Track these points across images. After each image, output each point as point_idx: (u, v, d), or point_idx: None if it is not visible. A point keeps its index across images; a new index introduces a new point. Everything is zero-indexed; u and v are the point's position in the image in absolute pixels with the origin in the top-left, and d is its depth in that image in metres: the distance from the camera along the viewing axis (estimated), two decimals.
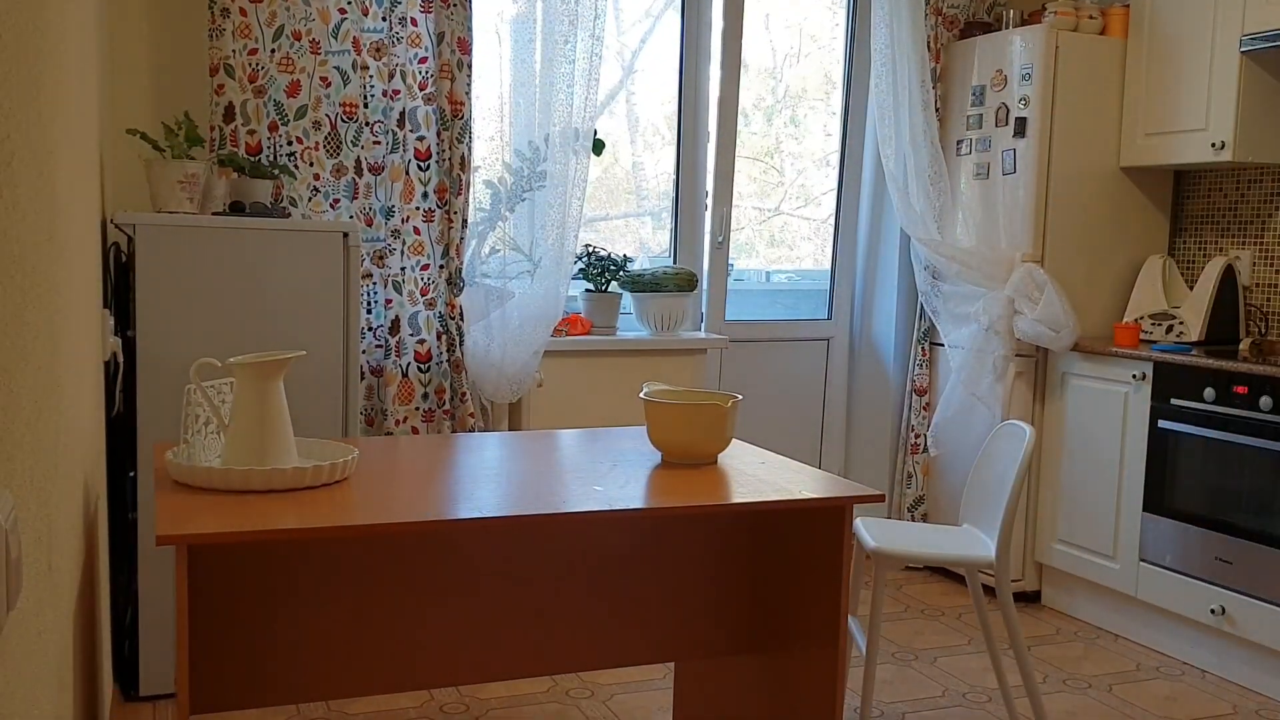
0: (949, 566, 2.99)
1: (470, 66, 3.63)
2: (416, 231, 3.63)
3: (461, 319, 3.69)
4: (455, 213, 3.65)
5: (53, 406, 1.39)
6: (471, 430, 3.70)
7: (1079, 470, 3.96)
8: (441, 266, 3.67)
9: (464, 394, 3.68)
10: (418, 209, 3.62)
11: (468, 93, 3.63)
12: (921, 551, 2.88)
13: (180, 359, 2.97)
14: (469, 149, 3.64)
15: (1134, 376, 3.74)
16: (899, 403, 4.55)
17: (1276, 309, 3.94)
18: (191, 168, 3.03)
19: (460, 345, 3.69)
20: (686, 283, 4.08)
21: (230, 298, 3.02)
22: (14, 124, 1.04)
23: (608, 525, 2.49)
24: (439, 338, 3.69)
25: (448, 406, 3.70)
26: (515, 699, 3.18)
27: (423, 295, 3.66)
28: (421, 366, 3.66)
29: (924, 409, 4.42)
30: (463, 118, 3.62)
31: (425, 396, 3.68)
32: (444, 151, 3.64)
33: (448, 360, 3.69)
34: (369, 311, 3.62)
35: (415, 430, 3.66)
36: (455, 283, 3.67)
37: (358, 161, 3.55)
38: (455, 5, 3.59)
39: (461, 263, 3.69)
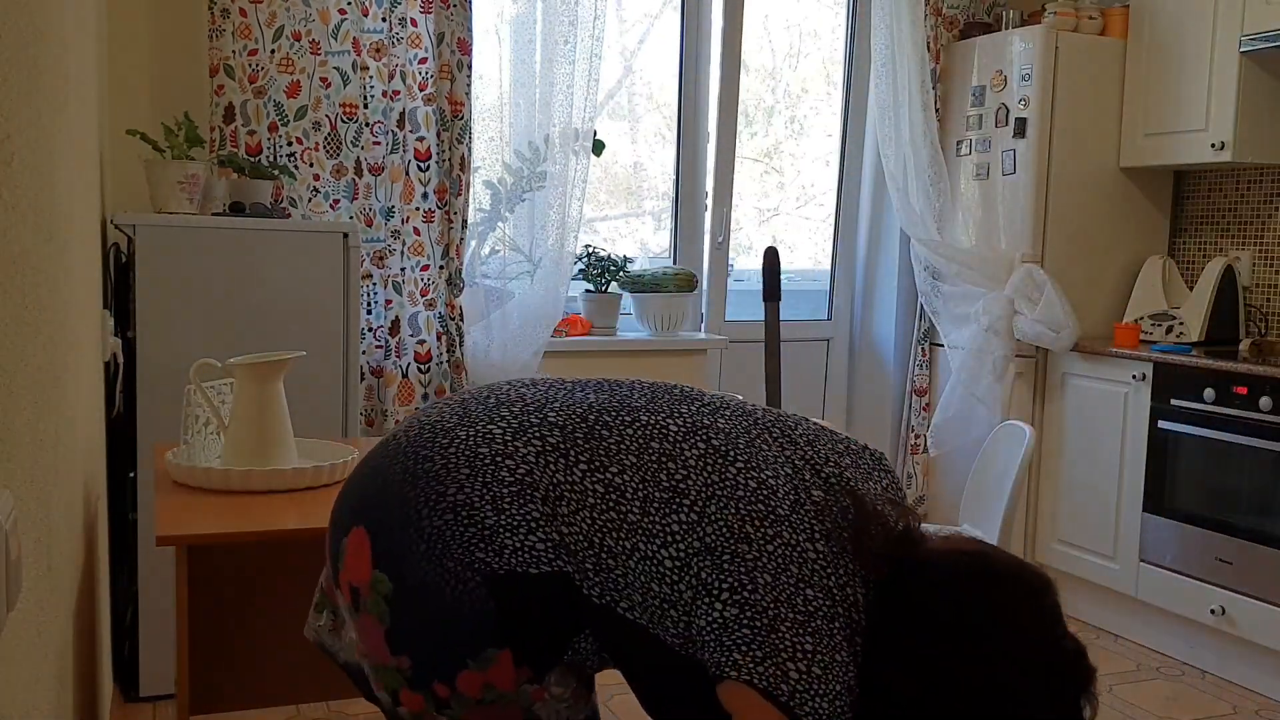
0: None
1: (470, 67, 3.63)
2: (416, 232, 3.63)
3: (461, 320, 3.69)
4: (455, 213, 3.65)
5: (53, 406, 1.39)
6: None
7: (1079, 470, 3.96)
8: (441, 267, 3.67)
9: None
10: (417, 209, 3.62)
11: (467, 93, 3.63)
12: None
13: (180, 359, 2.97)
14: (469, 149, 3.64)
15: (1134, 377, 3.74)
16: (899, 403, 4.55)
17: (1276, 309, 3.94)
18: (191, 168, 3.03)
19: (460, 346, 3.69)
20: (686, 283, 4.08)
21: (230, 298, 3.02)
22: (14, 124, 1.04)
23: None
24: (439, 338, 3.69)
25: None
26: None
27: (423, 296, 3.66)
28: (421, 367, 3.66)
29: (924, 409, 4.42)
30: (462, 118, 3.62)
31: (425, 397, 3.68)
32: (444, 152, 3.64)
33: (448, 361, 3.69)
34: (369, 312, 3.62)
35: None
36: (455, 283, 3.67)
37: (357, 162, 3.55)
38: (455, 6, 3.59)
39: (461, 263, 3.69)
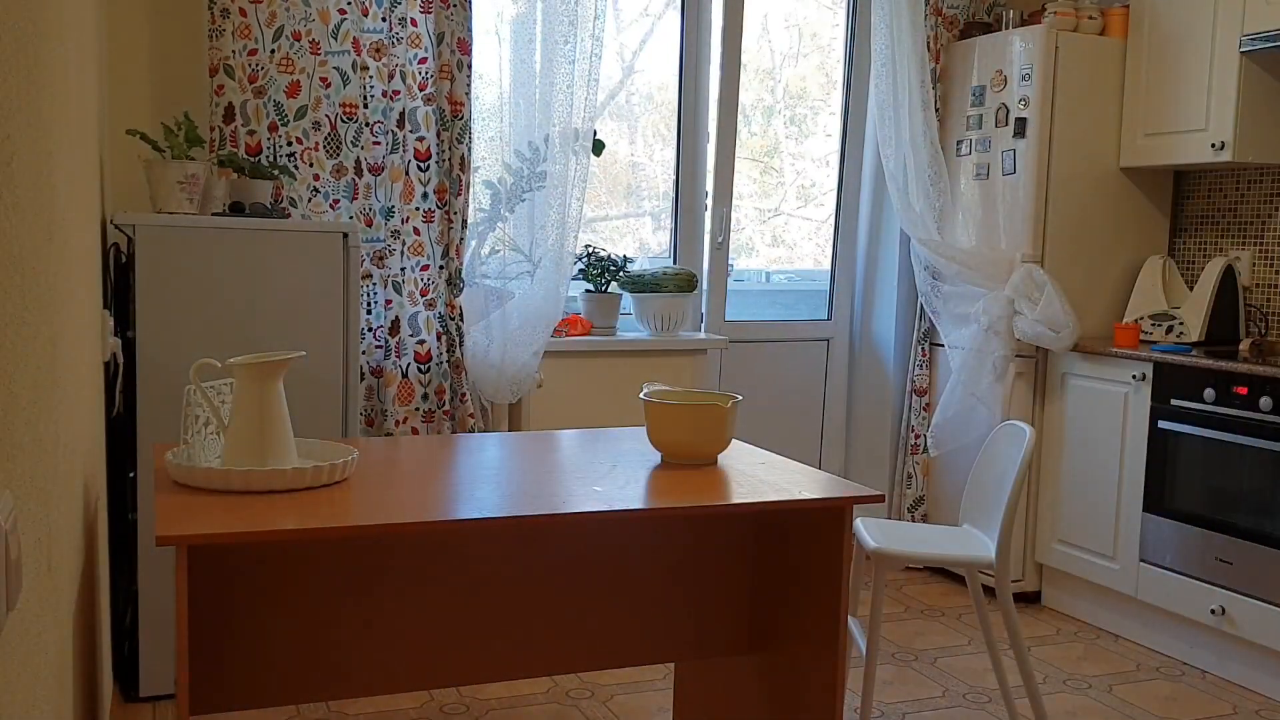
0: (949, 567, 2.99)
1: (470, 67, 3.63)
2: (416, 232, 3.63)
3: (461, 320, 3.69)
4: (455, 213, 3.65)
5: (53, 406, 1.39)
6: (471, 431, 3.70)
7: (1079, 470, 3.96)
8: (441, 267, 3.67)
9: (464, 395, 3.68)
10: (417, 209, 3.62)
11: (467, 93, 3.63)
12: (921, 552, 2.88)
13: (180, 359, 2.97)
14: (469, 149, 3.64)
15: (1134, 377, 3.74)
16: (899, 403, 4.55)
17: (1276, 309, 3.94)
18: (191, 168, 3.03)
19: (460, 346, 3.68)
20: (686, 283, 4.08)
21: (230, 298, 3.02)
22: (14, 124, 1.04)
23: (608, 525, 2.49)
24: (439, 338, 3.69)
25: (448, 407, 3.70)
26: (515, 699, 3.18)
27: (423, 296, 3.66)
28: (421, 367, 3.66)
29: (924, 409, 4.42)
30: (462, 118, 3.62)
31: (425, 397, 3.68)
32: (444, 152, 3.64)
33: (448, 361, 3.69)
34: (369, 312, 3.62)
35: (415, 431, 3.66)
36: (455, 283, 3.67)
37: (357, 162, 3.55)
38: (455, 6, 3.59)
39: (461, 263, 3.68)
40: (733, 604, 2.60)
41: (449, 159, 3.64)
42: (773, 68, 4.60)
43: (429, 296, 3.67)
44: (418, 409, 3.66)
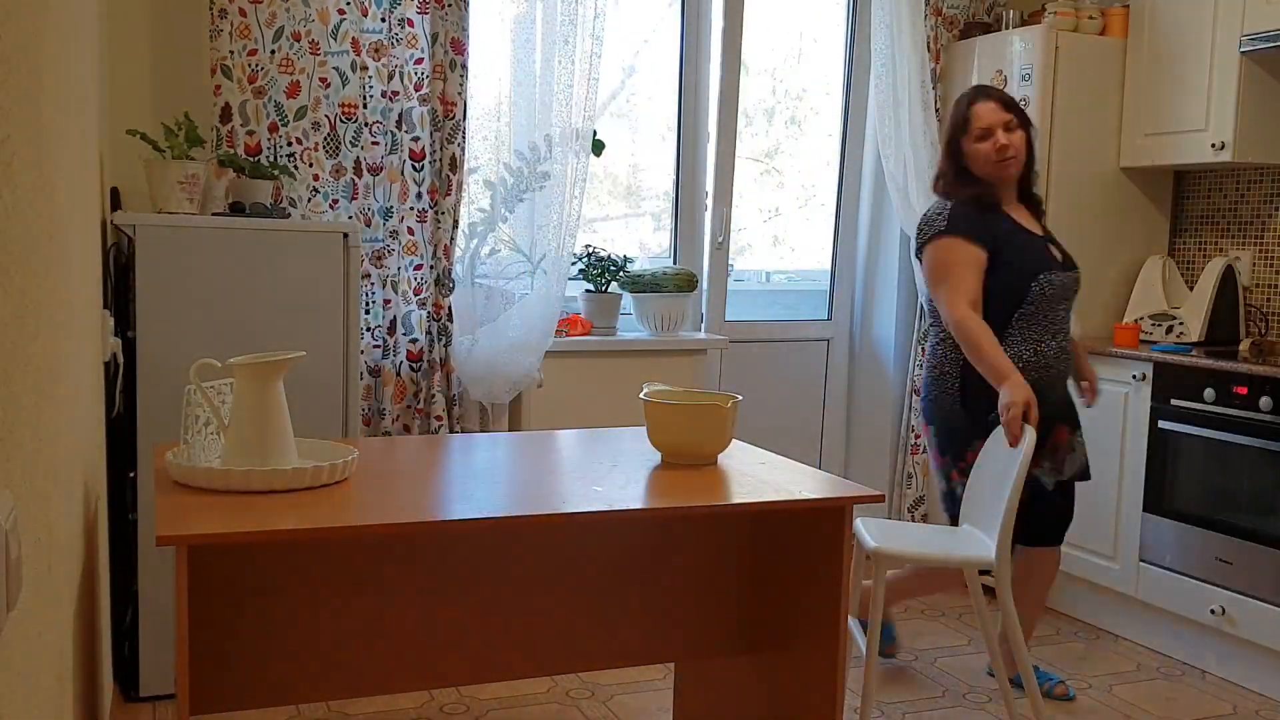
0: (949, 567, 2.99)
1: (465, 67, 3.62)
2: (411, 232, 3.63)
3: (450, 319, 3.68)
4: (445, 213, 3.64)
5: (53, 407, 1.39)
6: (470, 431, 3.70)
7: None
8: (432, 267, 3.67)
9: (455, 395, 3.69)
10: (412, 209, 3.62)
11: (460, 93, 3.62)
12: (921, 552, 2.88)
13: (180, 359, 2.97)
14: (460, 149, 3.64)
15: (1134, 377, 3.74)
16: (899, 403, 4.54)
17: (1276, 309, 3.94)
18: (191, 168, 3.03)
19: (447, 345, 3.68)
20: (686, 283, 4.08)
21: (230, 298, 3.02)
22: (14, 124, 1.04)
23: (608, 525, 2.49)
24: (429, 337, 3.69)
25: (441, 408, 3.69)
26: (515, 699, 3.17)
27: (416, 295, 3.66)
28: (413, 365, 3.66)
29: None
30: (454, 118, 3.62)
31: (417, 395, 3.67)
32: (436, 152, 3.64)
33: (440, 361, 3.68)
34: (367, 312, 3.62)
35: (408, 429, 3.66)
36: (444, 283, 3.67)
37: (357, 162, 3.55)
38: (451, 5, 3.59)
39: (451, 263, 3.68)
40: (733, 604, 2.60)
41: (440, 159, 3.64)
42: (773, 68, 4.60)
43: (422, 296, 3.67)
44: (409, 406, 3.66)
